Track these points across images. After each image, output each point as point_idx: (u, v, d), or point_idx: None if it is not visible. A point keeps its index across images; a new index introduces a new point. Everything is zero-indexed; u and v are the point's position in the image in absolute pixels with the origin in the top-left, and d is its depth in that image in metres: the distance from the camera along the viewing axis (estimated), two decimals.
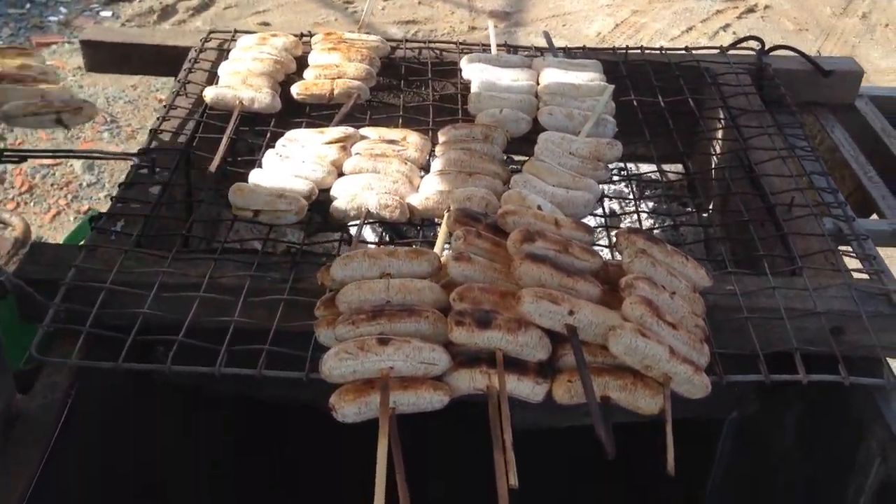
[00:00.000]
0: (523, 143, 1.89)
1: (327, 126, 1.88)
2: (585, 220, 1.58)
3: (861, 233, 1.70)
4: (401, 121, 1.99)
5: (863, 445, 1.47)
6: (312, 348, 1.33)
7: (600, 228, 1.94)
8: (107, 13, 5.90)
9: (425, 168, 1.81)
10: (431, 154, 1.86)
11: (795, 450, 1.70)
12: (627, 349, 1.22)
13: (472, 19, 6.08)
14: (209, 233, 1.95)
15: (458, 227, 1.41)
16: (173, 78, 2.15)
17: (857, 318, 1.46)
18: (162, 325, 1.41)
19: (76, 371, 1.41)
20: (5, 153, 1.74)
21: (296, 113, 1.99)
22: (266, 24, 5.82)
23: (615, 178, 1.96)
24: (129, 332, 1.37)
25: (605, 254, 1.68)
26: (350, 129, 1.84)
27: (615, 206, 2.29)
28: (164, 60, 2.27)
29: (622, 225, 2.24)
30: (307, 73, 2.06)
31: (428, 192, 1.68)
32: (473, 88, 2.01)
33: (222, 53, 2.19)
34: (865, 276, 1.58)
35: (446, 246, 1.50)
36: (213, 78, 2.07)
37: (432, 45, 2.30)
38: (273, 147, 1.80)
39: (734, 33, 6.00)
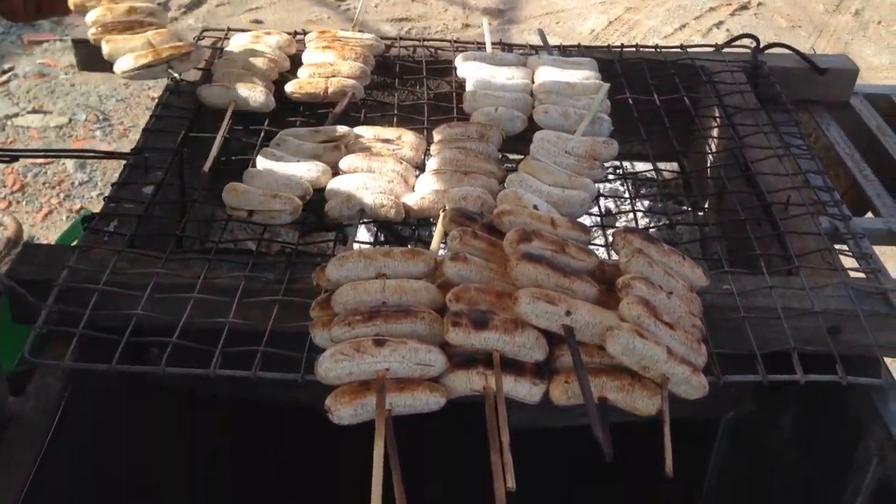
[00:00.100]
0: (519, 142, 1.88)
1: (322, 125, 1.87)
2: (581, 220, 1.58)
3: (857, 231, 1.70)
4: (395, 119, 1.98)
5: (860, 445, 1.46)
6: (308, 349, 1.32)
7: (596, 228, 1.93)
8: None
9: (420, 167, 1.80)
10: (426, 153, 1.85)
11: (792, 450, 1.70)
12: (625, 350, 1.21)
13: (465, 17, 6.07)
14: (203, 233, 1.94)
15: (453, 226, 1.40)
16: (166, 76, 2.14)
17: (855, 317, 1.45)
18: (156, 327, 1.40)
19: (69, 373, 1.40)
20: None
21: (290, 112, 1.98)
22: (259, 21, 5.80)
23: (611, 176, 1.96)
24: (122, 334, 1.36)
25: (602, 253, 1.68)
26: (345, 128, 1.83)
27: (611, 204, 2.29)
28: None
29: (618, 224, 2.24)
30: (301, 72, 2.05)
31: (423, 191, 1.68)
32: (468, 87, 2.01)
33: (216, 51, 2.17)
34: (862, 275, 1.58)
35: (442, 245, 1.49)
36: (206, 76, 2.06)
37: (427, 43, 2.29)
38: (267, 146, 1.79)
39: (728, 30, 6.00)
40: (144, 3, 2.00)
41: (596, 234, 2.07)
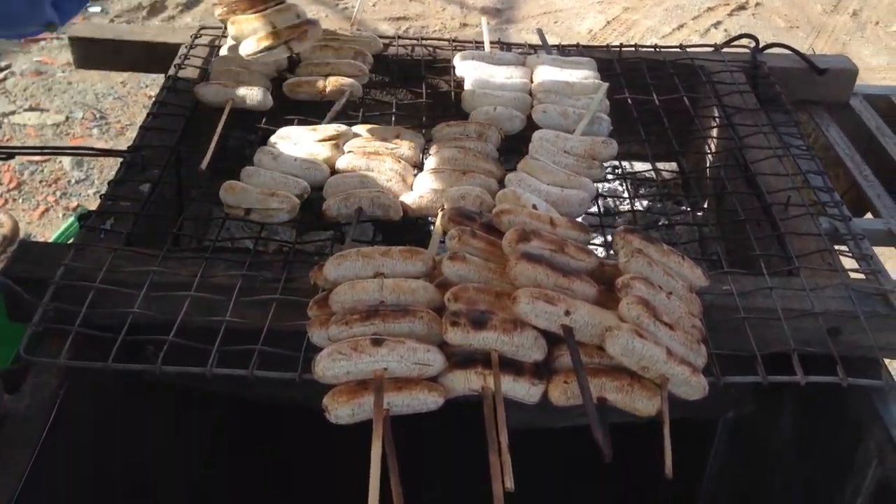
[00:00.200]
0: (517, 142, 1.88)
1: (319, 123, 1.86)
2: (580, 219, 1.57)
3: (857, 232, 1.70)
4: (394, 118, 1.98)
5: (860, 447, 1.46)
6: (305, 349, 1.32)
7: (595, 227, 1.93)
8: (95, 8, 5.86)
9: (419, 166, 1.80)
10: (425, 152, 1.85)
11: (792, 451, 1.69)
12: (624, 350, 1.20)
13: (463, 16, 6.07)
14: (200, 231, 1.93)
15: (452, 226, 1.39)
16: (163, 74, 2.13)
17: (855, 318, 1.45)
18: (152, 325, 1.39)
19: (65, 371, 1.39)
20: None
21: (288, 110, 1.97)
22: None
23: (609, 176, 1.95)
24: (118, 332, 1.35)
25: (601, 253, 1.67)
26: (343, 127, 1.82)
27: (610, 204, 2.28)
28: (154, 57, 2.25)
29: (617, 224, 2.23)
30: (299, 71, 2.04)
31: (422, 190, 1.67)
32: (467, 86, 2.00)
33: (213, 50, 2.16)
34: (862, 276, 1.58)
35: (440, 244, 1.49)
36: (203, 75, 2.05)
37: (425, 42, 2.28)
38: (265, 145, 1.79)
39: (726, 30, 6.01)
40: None
41: (594, 234, 2.07)
